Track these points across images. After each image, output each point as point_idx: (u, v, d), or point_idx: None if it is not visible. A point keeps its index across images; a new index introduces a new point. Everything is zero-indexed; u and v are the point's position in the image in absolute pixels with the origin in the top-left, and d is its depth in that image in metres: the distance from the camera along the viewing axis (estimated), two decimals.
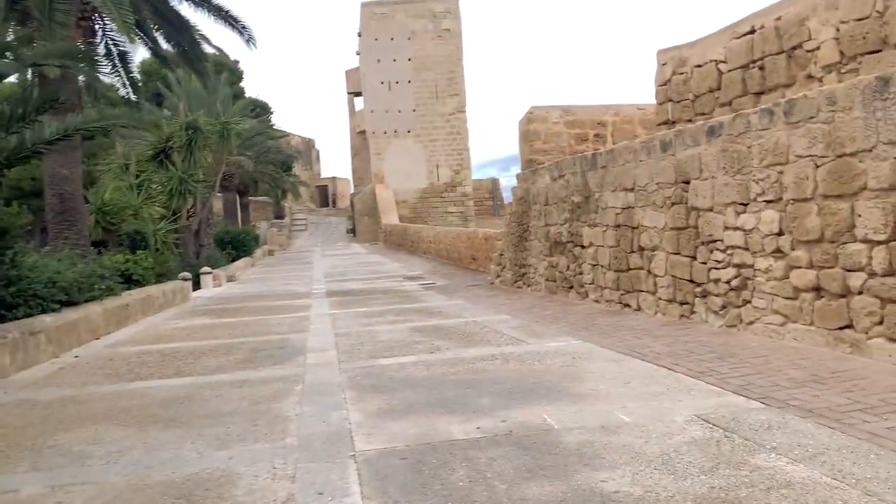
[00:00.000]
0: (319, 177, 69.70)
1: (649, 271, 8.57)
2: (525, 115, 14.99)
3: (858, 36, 8.43)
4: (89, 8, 11.57)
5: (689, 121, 9.75)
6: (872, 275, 5.43)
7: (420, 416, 4.77)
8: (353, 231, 43.54)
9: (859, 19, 8.38)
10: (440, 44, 41.36)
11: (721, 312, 7.32)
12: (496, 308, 10.64)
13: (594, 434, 4.16)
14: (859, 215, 5.51)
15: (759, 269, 6.69)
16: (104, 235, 14.38)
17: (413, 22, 41.37)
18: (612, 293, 9.50)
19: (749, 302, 6.88)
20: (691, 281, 7.74)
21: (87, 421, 5.21)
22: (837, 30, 8.56)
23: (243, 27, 14.72)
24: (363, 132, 45.70)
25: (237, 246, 27.12)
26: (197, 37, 14.01)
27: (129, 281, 12.64)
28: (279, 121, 65.04)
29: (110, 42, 13.11)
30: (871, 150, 5.35)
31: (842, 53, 8.67)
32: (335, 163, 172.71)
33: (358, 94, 47.61)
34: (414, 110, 41.52)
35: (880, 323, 5.38)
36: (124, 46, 13.02)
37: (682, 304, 7.95)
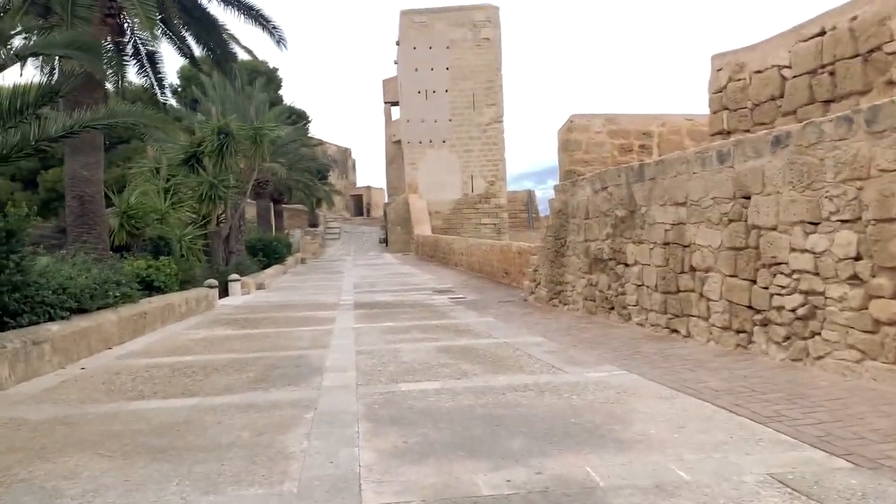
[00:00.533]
0: (355, 186, 69.66)
1: (701, 294, 7.81)
2: (565, 124, 14.31)
3: None
4: (116, 5, 11.25)
5: (747, 131, 8.99)
6: None
7: (441, 459, 4.12)
8: (385, 241, 43.13)
9: None
10: (479, 53, 40.87)
11: (784, 344, 6.54)
12: (530, 328, 9.95)
13: (648, 496, 3.46)
14: None
15: (831, 298, 5.92)
16: (128, 240, 14.02)
17: (452, 31, 40.96)
18: (658, 317, 8.74)
19: (818, 334, 6.10)
20: (750, 307, 6.97)
21: (71, 448, 4.66)
22: None
23: (274, 27, 14.33)
24: (398, 142, 45.39)
25: (269, 253, 26.80)
26: (225, 36, 13.65)
27: (151, 288, 12.23)
28: (317, 130, 65.25)
29: (139, 41, 12.80)
30: None
31: None
32: (371, 172, 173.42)
33: (395, 103, 47.36)
34: (450, 120, 41.05)
35: None
36: (152, 46, 12.69)
37: (738, 332, 7.18)
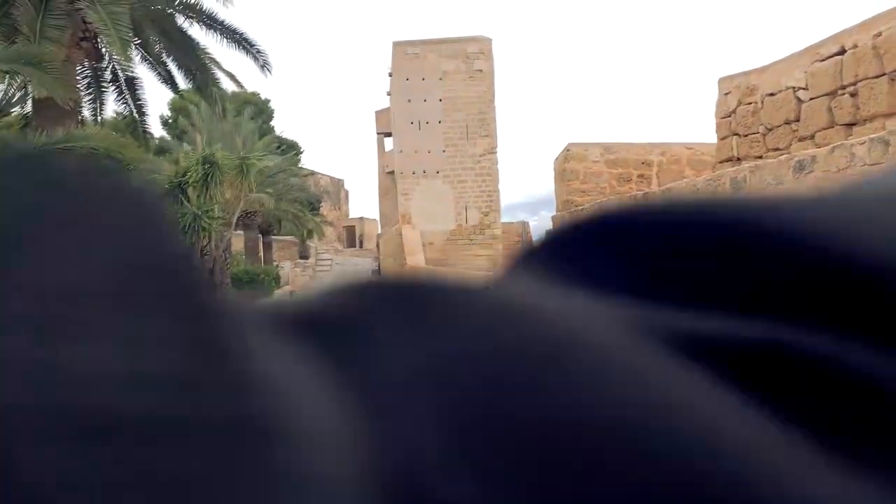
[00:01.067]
0: (348, 217, 69.20)
1: None
2: (561, 153, 13.80)
3: None
4: (92, 28, 10.74)
5: (759, 157, 8.45)
6: None
7: None
8: (378, 272, 42.54)
9: None
10: (472, 84, 40.67)
11: None
12: None
13: None
14: None
15: None
16: None
17: (445, 62, 40.81)
18: None
19: None
20: None
21: None
22: None
23: (258, 51, 13.83)
24: (391, 172, 45.03)
25: (256, 287, 26.12)
26: (206, 60, 13.12)
27: None
28: (310, 161, 65.13)
29: (117, 67, 12.26)
30: None
31: None
32: (364, 203, 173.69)
33: (388, 134, 47.11)
34: (443, 151, 40.69)
35: None
36: (131, 71, 12.17)
37: None
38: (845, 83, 7.76)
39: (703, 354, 0.17)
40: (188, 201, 18.35)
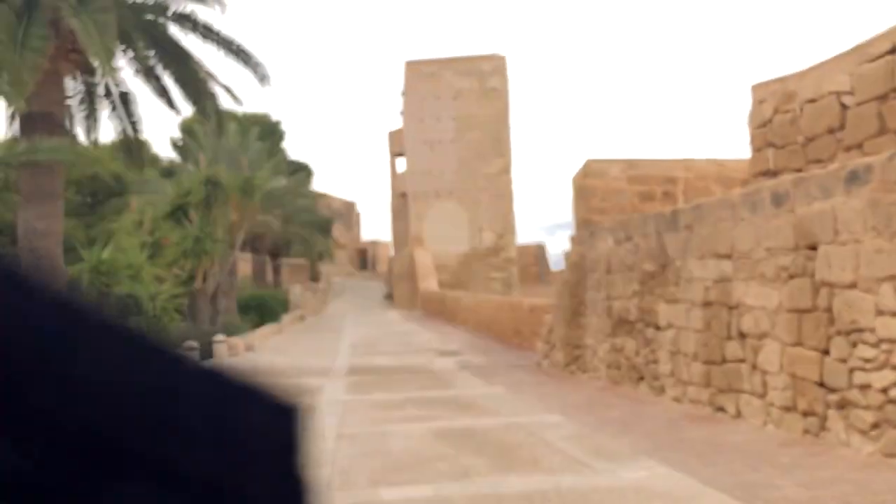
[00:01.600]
0: (359, 240, 68.70)
1: (755, 366, 6.41)
2: (580, 170, 13.10)
3: None
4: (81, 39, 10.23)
5: (798, 170, 7.72)
6: None
7: None
8: (390, 296, 41.81)
9: None
10: (486, 103, 40.16)
11: (872, 434, 5.11)
12: (545, 402, 8.51)
13: None
14: None
15: None
16: (99, 299, 12.70)
17: (459, 81, 40.37)
18: (699, 391, 7.31)
19: None
20: (821, 385, 5.56)
21: None
22: None
23: (256, 63, 13.29)
24: (404, 194, 44.46)
25: (263, 311, 25.46)
26: (201, 73, 12.58)
27: None
28: (322, 184, 64.75)
29: (110, 81, 11.75)
30: None
31: None
32: (376, 226, 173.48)
33: (400, 155, 46.65)
34: (457, 171, 40.12)
35: None
36: (125, 87, 11.65)
37: (806, 414, 5.74)
38: None
39: None
40: (190, 223, 17.80)
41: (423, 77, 40.70)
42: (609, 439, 6.18)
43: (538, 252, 49.61)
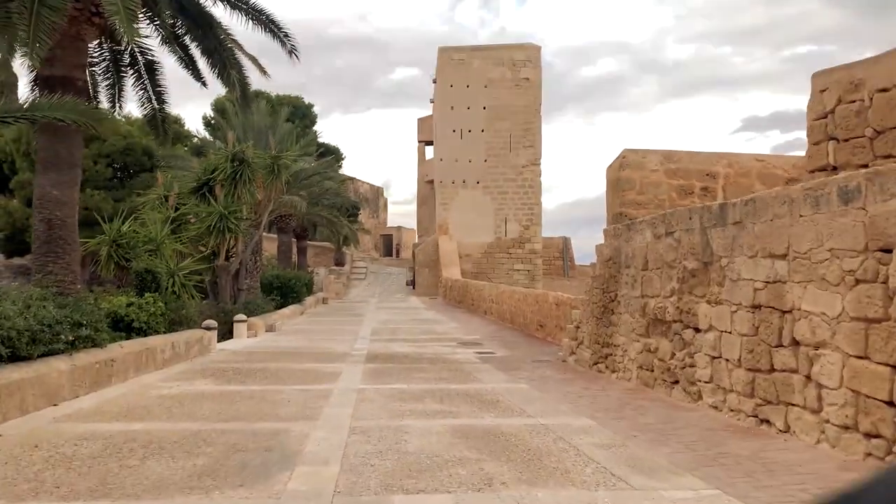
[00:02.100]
0: (385, 226, 68.42)
1: (808, 377, 5.85)
2: (616, 160, 12.52)
3: None
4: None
5: (864, 165, 7.12)
6: None
7: None
8: (412, 283, 41.40)
9: None
10: (518, 93, 39.47)
11: None
12: (572, 403, 8.01)
13: None
14: None
15: None
16: (117, 273, 12.43)
17: (491, 69, 39.70)
18: (742, 400, 6.76)
19: None
20: (891, 404, 4.99)
21: None
22: None
23: (286, 35, 12.82)
24: (431, 181, 43.97)
25: (286, 292, 25.17)
26: (228, 41, 12.14)
27: (130, 329, 10.59)
28: (351, 169, 64.58)
29: (136, 49, 11.38)
30: None
31: None
32: (402, 213, 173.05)
33: (429, 142, 46.14)
34: (485, 161, 39.51)
35: None
36: (152, 55, 11.26)
37: (870, 436, 5.18)
38: None
39: None
40: (215, 200, 17.50)
41: (454, 64, 40.11)
42: (645, 449, 5.68)
43: (563, 246, 48.82)
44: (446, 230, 39.54)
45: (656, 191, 12.12)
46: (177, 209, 17.33)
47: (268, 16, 12.27)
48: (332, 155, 41.85)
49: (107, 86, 12.34)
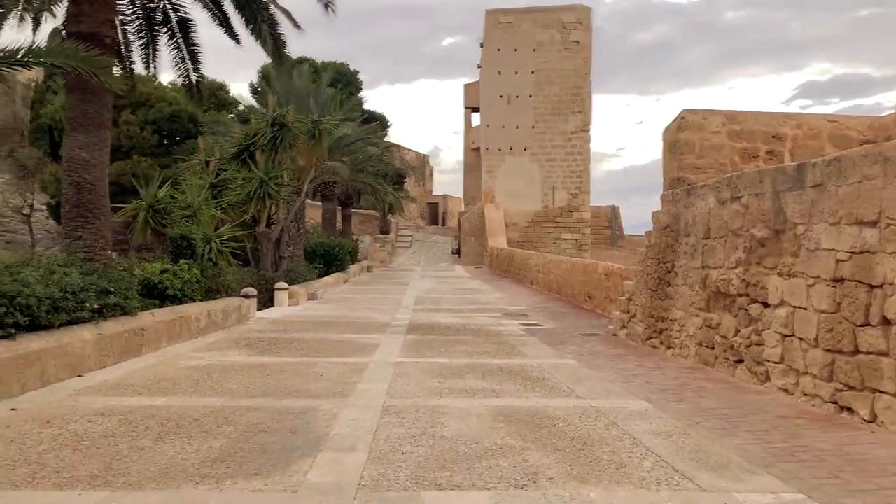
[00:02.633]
0: (431, 194, 67.92)
1: None
2: (674, 122, 11.66)
3: None
4: None
5: None
6: None
7: None
8: (457, 252, 40.92)
9: None
10: (567, 56, 38.20)
11: None
12: (625, 381, 7.38)
13: None
14: None
15: None
16: (154, 239, 12.16)
17: (540, 32, 38.46)
18: (818, 385, 6.05)
19: None
20: None
21: None
22: None
23: None
24: (477, 149, 43.14)
25: (329, 260, 24.89)
26: None
27: (164, 297, 10.30)
28: (398, 137, 64.24)
29: (168, 6, 10.93)
30: None
31: None
32: (448, 181, 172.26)
33: (476, 109, 45.18)
34: (532, 127, 38.49)
35: None
36: (185, 11, 10.79)
37: None
38: None
39: None
40: (256, 166, 17.16)
41: (502, 27, 38.98)
42: (710, 440, 5.04)
43: (611, 214, 47.60)
44: (492, 198, 38.80)
45: (717, 154, 11.25)
46: (217, 175, 17.08)
47: None
48: (376, 122, 41.30)
49: (140, 45, 11.97)
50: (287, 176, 17.77)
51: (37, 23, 9.98)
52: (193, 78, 12.97)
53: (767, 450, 4.79)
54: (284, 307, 16.01)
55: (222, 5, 11.88)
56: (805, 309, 6.28)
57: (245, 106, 40.28)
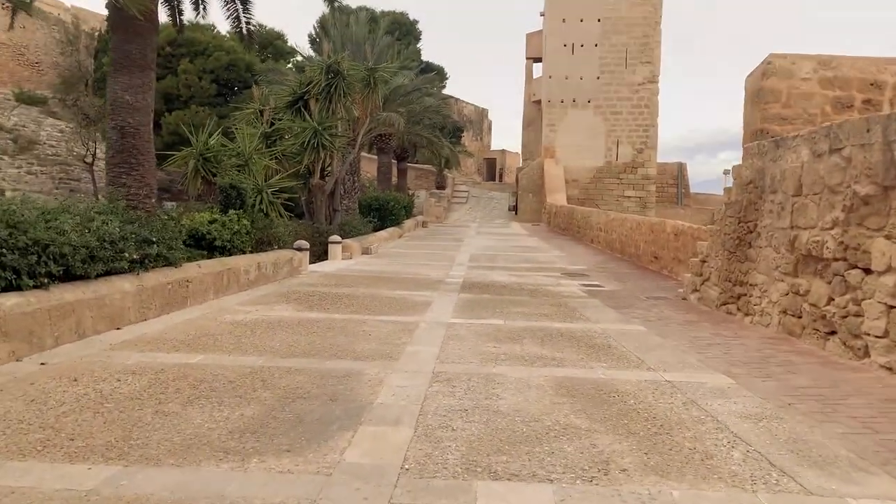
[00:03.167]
0: (489, 149, 66.74)
1: None
2: (759, 67, 10.62)
3: None
4: None
5: None
6: None
7: None
8: (514, 209, 40.05)
9: None
10: (636, 3, 36.35)
11: None
12: (701, 352, 6.69)
13: None
14: None
15: None
16: (204, 188, 11.84)
17: None
18: None
19: None
20: None
21: None
22: None
23: None
24: (538, 102, 41.81)
25: (384, 214, 24.48)
26: None
27: (212, 248, 9.98)
28: (457, 90, 63.21)
29: None
30: None
31: None
32: (508, 136, 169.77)
33: (537, 59, 43.67)
34: (598, 78, 36.96)
35: None
36: None
37: None
38: None
39: None
40: (310, 116, 16.69)
41: None
42: (807, 426, 4.36)
43: (678, 172, 45.83)
44: (553, 153, 37.66)
45: (806, 104, 10.20)
46: (272, 125, 16.69)
47: None
48: (434, 73, 40.33)
49: None
50: (341, 126, 17.27)
51: None
52: (243, 21, 12.47)
53: (879, 442, 4.09)
54: (338, 261, 15.67)
55: None
56: None
57: (303, 56, 39.98)
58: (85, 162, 30.74)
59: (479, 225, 33.63)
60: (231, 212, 10.56)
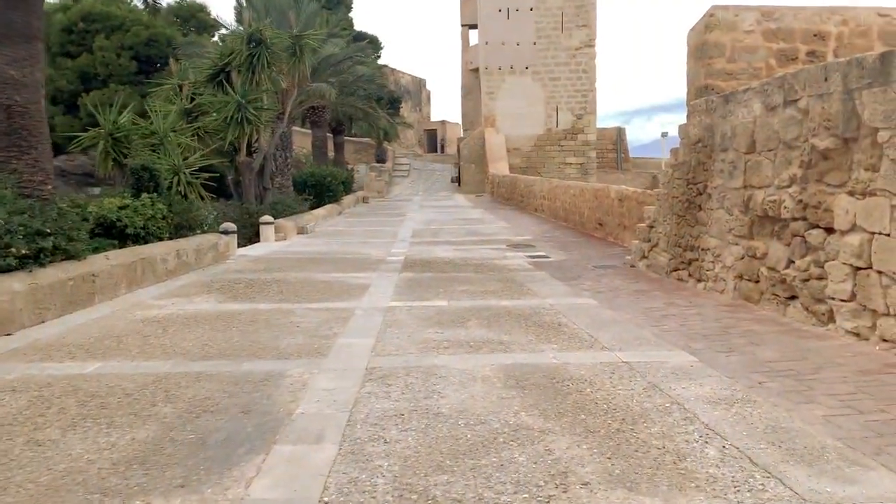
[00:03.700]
0: (429, 120, 65.80)
1: None
2: (701, 20, 10.18)
3: None
4: None
5: None
6: None
7: None
8: (457, 180, 39.44)
9: None
10: None
11: None
12: (657, 325, 6.23)
13: None
14: None
15: None
16: (115, 170, 10.86)
17: None
18: None
19: None
20: None
21: None
22: None
23: None
24: (476, 70, 41.07)
25: (321, 191, 23.53)
26: None
27: (124, 237, 9.08)
28: (393, 60, 61.97)
29: None
30: None
31: None
32: (447, 106, 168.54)
33: (473, 26, 42.83)
34: (534, 43, 36.40)
35: None
36: None
37: None
38: None
39: None
40: (233, 89, 15.66)
41: None
42: (784, 409, 3.90)
43: (616, 136, 45.84)
44: (493, 122, 37.10)
45: (751, 57, 9.82)
46: (192, 100, 15.62)
47: None
48: (367, 41, 39.09)
49: None
50: (268, 99, 16.29)
51: None
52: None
53: (865, 425, 3.65)
54: (270, 242, 14.83)
55: None
56: (888, 235, 5.05)
57: (227, 28, 38.22)
58: None
59: (423, 198, 32.94)
60: (144, 196, 9.65)
